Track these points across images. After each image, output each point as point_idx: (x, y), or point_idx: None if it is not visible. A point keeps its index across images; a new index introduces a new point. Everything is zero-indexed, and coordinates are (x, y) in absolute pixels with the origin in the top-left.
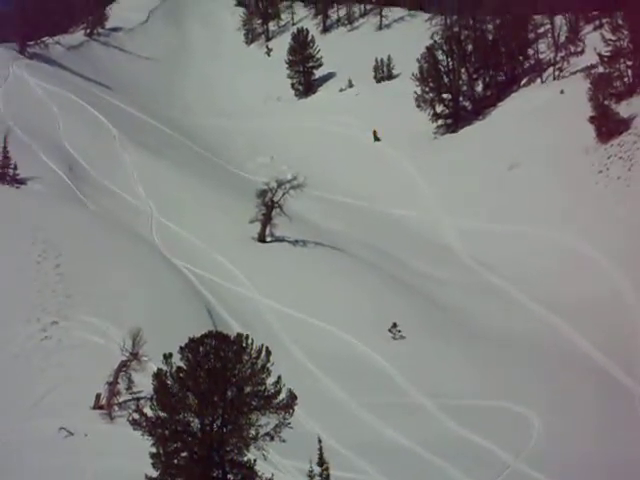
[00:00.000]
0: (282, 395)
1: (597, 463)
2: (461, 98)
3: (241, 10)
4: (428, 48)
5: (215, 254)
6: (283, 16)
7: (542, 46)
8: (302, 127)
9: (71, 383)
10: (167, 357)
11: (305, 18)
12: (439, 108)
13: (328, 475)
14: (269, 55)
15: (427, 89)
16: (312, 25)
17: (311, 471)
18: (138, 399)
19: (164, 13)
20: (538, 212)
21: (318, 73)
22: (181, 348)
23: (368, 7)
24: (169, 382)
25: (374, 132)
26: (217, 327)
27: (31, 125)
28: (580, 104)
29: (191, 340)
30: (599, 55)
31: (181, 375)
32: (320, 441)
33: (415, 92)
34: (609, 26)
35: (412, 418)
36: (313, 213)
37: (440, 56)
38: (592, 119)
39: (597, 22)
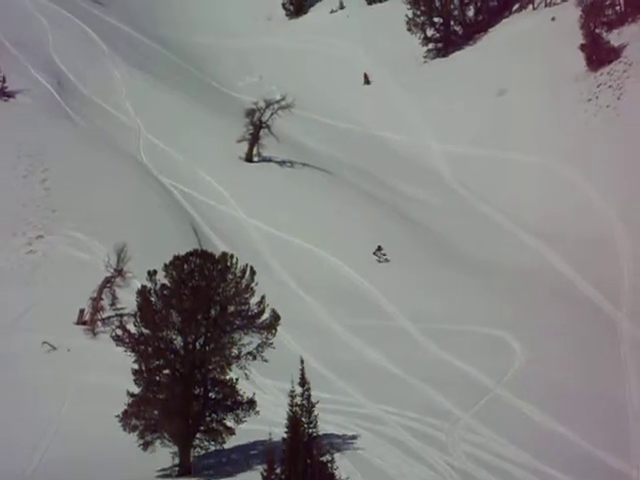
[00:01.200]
0: (265, 315)
1: (578, 392)
2: (452, 22)
3: None
4: None
5: (202, 173)
6: None
7: None
8: (292, 48)
9: (55, 298)
10: (151, 274)
11: None
12: (430, 32)
13: (309, 395)
14: None
15: (418, 12)
16: None
17: (292, 391)
18: (121, 315)
19: None
20: (526, 139)
21: None
22: (166, 265)
23: None
24: (153, 299)
25: (365, 75)
26: (202, 246)
27: (20, 38)
28: (571, 32)
29: (176, 258)
30: None
31: (165, 292)
32: (302, 362)
33: (406, 15)
34: None
35: (395, 341)
36: (301, 134)
37: None
38: (583, 47)
39: None
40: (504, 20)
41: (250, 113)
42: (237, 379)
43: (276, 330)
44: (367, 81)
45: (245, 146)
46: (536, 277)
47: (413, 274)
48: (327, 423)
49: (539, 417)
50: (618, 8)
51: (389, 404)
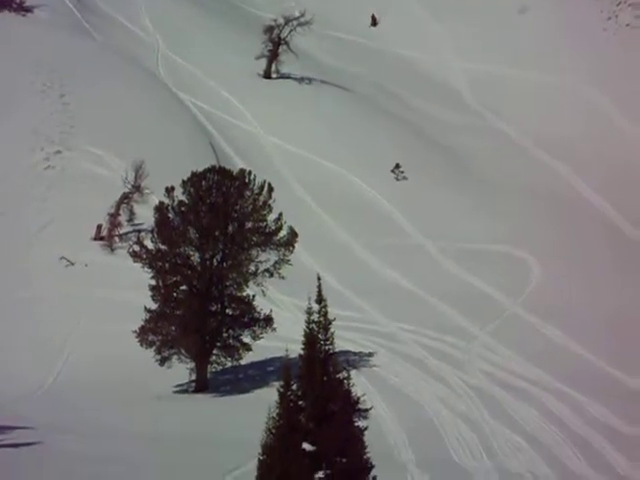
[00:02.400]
0: (283, 232)
1: (596, 311)
2: None
3: None
4: None
5: (220, 89)
6: None
7: None
8: None
9: (73, 213)
10: (169, 190)
11: None
12: None
13: (326, 312)
14: None
15: None
16: None
17: (309, 308)
18: (139, 231)
19: None
20: (546, 57)
21: None
22: (183, 182)
23: None
24: (170, 215)
25: (372, 17)
26: (220, 162)
27: None
28: None
29: (194, 174)
30: None
31: (183, 209)
32: (319, 279)
33: None
34: None
35: (413, 259)
36: (320, 51)
37: None
38: None
39: None
40: None
41: (269, 29)
42: (254, 296)
43: (293, 247)
44: (374, 23)
45: (264, 63)
46: (555, 197)
47: (431, 192)
48: (344, 340)
49: (555, 335)
50: None
51: (406, 322)
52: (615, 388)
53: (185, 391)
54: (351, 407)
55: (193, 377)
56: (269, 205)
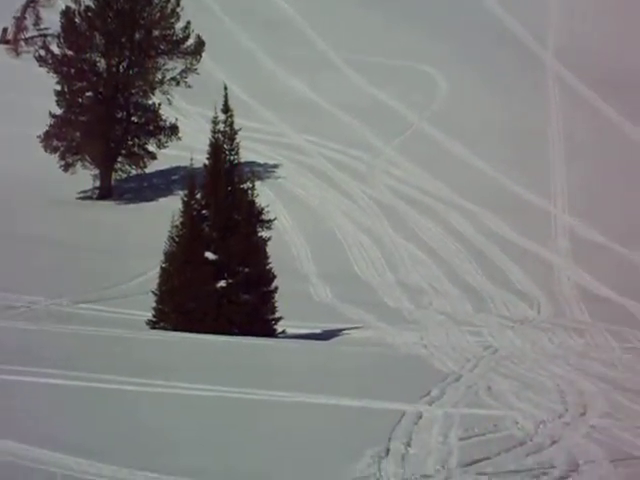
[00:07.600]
0: (190, 40)
1: (502, 128)
2: None
3: None
4: None
5: None
6: None
7: None
8: None
9: None
10: None
11: None
12: None
13: (232, 122)
14: None
15: None
16: None
17: (215, 118)
18: (45, 36)
19: None
20: None
21: None
22: None
23: None
24: (77, 20)
25: None
26: None
27: None
28: None
29: None
30: None
31: (89, 14)
32: (226, 88)
33: None
34: None
35: (320, 72)
36: None
37: None
38: None
39: None
40: None
41: None
42: (160, 104)
43: (200, 56)
44: None
45: None
46: (463, 12)
47: (340, 5)
48: (250, 151)
49: (461, 152)
50: None
51: (312, 134)
52: (516, 203)
53: (89, 198)
54: (255, 217)
55: (97, 184)
56: (177, 13)
